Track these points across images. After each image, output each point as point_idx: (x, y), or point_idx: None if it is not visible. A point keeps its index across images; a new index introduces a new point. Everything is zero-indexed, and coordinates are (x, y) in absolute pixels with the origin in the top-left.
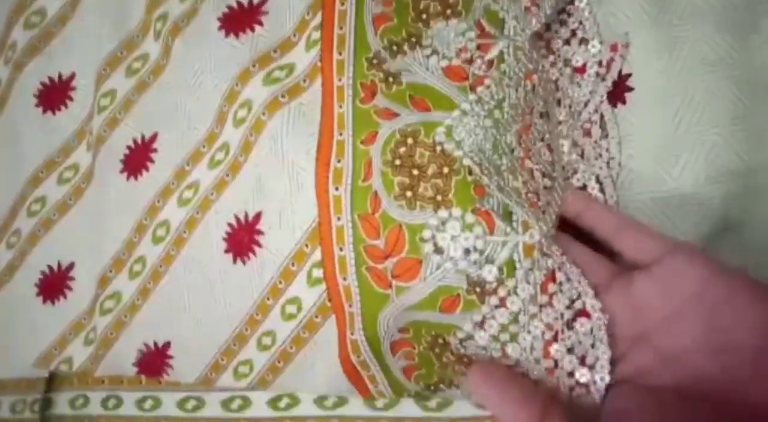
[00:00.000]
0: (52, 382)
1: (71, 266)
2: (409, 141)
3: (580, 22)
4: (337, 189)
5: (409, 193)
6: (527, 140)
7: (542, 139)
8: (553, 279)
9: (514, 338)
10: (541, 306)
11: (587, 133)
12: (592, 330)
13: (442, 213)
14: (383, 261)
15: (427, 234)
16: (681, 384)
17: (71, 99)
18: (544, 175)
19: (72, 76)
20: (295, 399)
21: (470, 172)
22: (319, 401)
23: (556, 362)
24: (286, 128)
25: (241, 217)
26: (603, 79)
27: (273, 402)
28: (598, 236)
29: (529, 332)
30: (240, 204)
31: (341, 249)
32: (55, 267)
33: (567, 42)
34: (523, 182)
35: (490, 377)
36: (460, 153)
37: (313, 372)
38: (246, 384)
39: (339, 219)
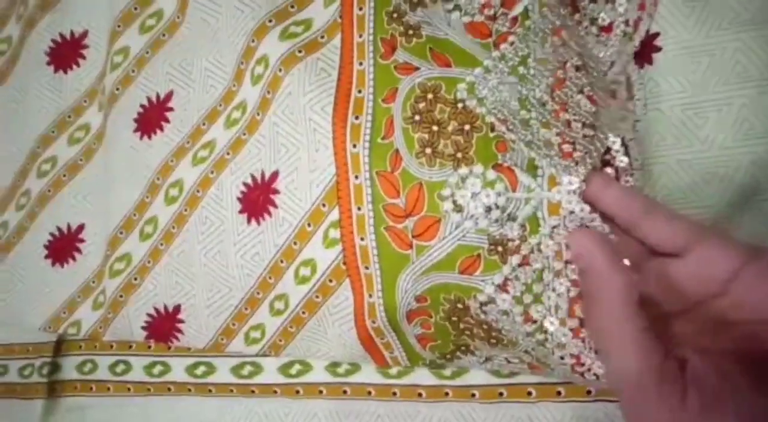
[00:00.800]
0: (60, 346)
1: (81, 228)
2: (429, 96)
3: None
4: (354, 146)
5: (428, 150)
6: (561, 94)
7: (581, 91)
8: None
9: (537, 298)
10: (566, 262)
11: (612, 95)
12: None
13: (463, 170)
14: (403, 220)
15: (446, 191)
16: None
17: (83, 57)
18: (584, 125)
19: (84, 34)
20: (307, 366)
21: (492, 129)
22: (332, 367)
23: (581, 321)
24: (303, 84)
25: (258, 176)
26: (630, 39)
27: (284, 369)
28: (620, 222)
29: (553, 290)
30: (256, 163)
31: (359, 209)
32: (65, 229)
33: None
34: (557, 133)
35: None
36: (482, 110)
37: (326, 338)
38: (257, 350)
39: (357, 177)
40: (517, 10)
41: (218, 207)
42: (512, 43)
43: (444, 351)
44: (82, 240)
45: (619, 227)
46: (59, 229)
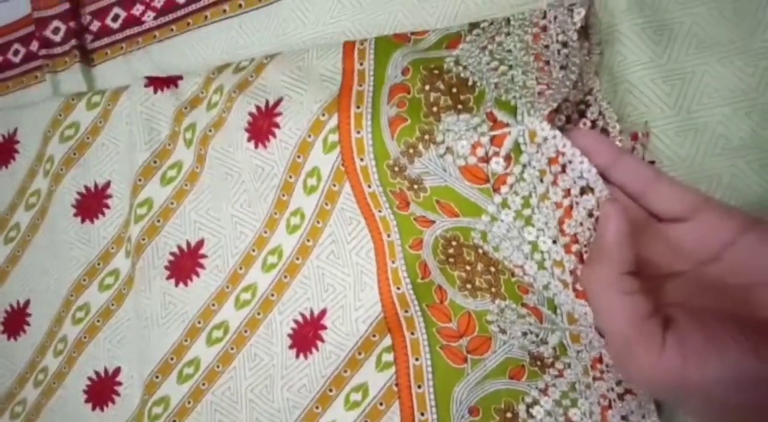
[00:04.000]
0: None
1: (117, 371)
2: (454, 243)
3: (600, 113)
4: (398, 288)
5: (469, 286)
6: (570, 222)
7: (590, 215)
8: (600, 361)
9: (574, 403)
10: (594, 378)
11: None
12: (641, 404)
13: (500, 302)
14: (458, 339)
15: (491, 317)
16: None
17: (108, 207)
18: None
19: (107, 184)
20: None
21: (513, 274)
22: None
23: None
24: (343, 233)
25: (307, 314)
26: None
27: None
28: (629, 190)
29: (586, 398)
30: (304, 302)
31: (412, 334)
32: (102, 373)
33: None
34: (570, 271)
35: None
36: (500, 256)
37: None
38: None
39: (407, 311)
40: (508, 145)
41: (268, 344)
42: (511, 186)
43: None
44: (119, 384)
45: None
46: (96, 373)
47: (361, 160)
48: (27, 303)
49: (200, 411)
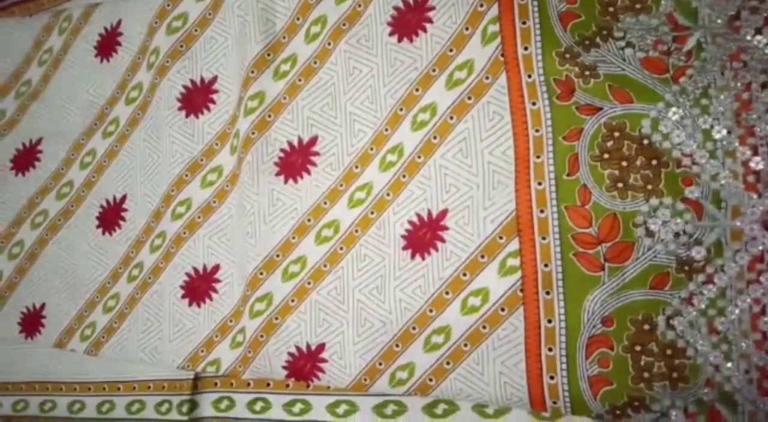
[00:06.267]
0: (196, 384)
1: (216, 268)
2: (616, 134)
3: None
4: (540, 184)
5: (620, 184)
6: (748, 117)
7: None
8: (761, 260)
9: (721, 312)
10: (748, 282)
11: None
12: None
13: (654, 201)
14: (595, 246)
15: (639, 219)
16: None
17: (213, 102)
18: None
19: (214, 79)
20: (453, 406)
21: (679, 164)
22: (479, 408)
23: (764, 334)
24: (478, 130)
25: (424, 215)
26: None
27: (429, 408)
28: None
29: (736, 305)
30: (421, 202)
31: (544, 239)
32: (201, 270)
33: (759, 31)
34: (742, 162)
35: None
36: (668, 145)
37: (482, 377)
38: (403, 391)
39: (542, 211)
40: (690, 43)
41: (380, 245)
42: (691, 76)
43: (616, 401)
44: (218, 281)
45: None
46: (195, 270)
47: (525, 48)
48: (123, 198)
49: (304, 310)
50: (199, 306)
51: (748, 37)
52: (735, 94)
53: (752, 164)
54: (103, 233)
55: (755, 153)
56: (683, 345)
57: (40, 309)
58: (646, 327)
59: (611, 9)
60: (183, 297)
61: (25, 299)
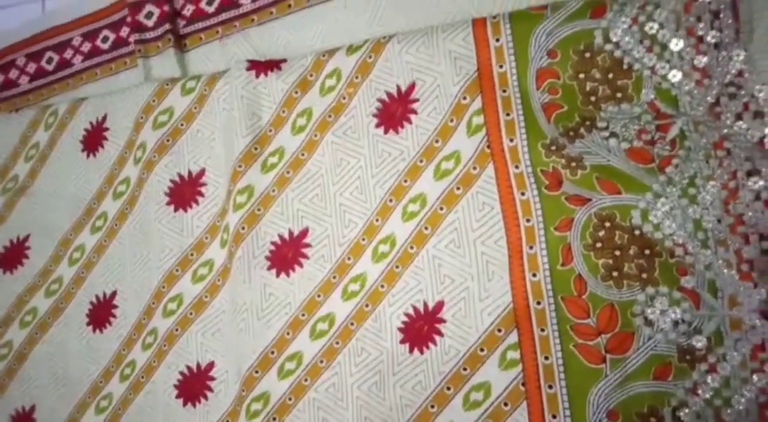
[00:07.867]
0: None
1: (211, 365)
2: (607, 224)
3: (752, 95)
4: (534, 275)
5: (615, 273)
6: (737, 205)
7: (757, 198)
8: (763, 348)
9: (727, 402)
10: (752, 371)
11: None
12: None
13: (650, 290)
14: (595, 337)
15: (637, 309)
16: None
17: (202, 195)
18: (762, 238)
19: (202, 172)
20: None
21: (672, 255)
22: None
23: None
24: (469, 220)
25: (420, 307)
26: None
27: None
28: None
29: (742, 396)
30: (416, 294)
31: (543, 331)
32: (194, 367)
33: (739, 116)
34: (734, 251)
35: None
36: (659, 235)
37: None
38: None
39: (539, 303)
40: (674, 132)
41: (377, 338)
42: (677, 166)
43: None
44: (212, 378)
45: None
46: (189, 368)
47: (511, 140)
48: (113, 294)
49: (302, 408)
50: (194, 406)
51: (728, 122)
52: (722, 183)
53: (743, 253)
54: (94, 330)
55: (746, 241)
56: None
57: (30, 412)
58: (653, 420)
59: (593, 99)
60: (177, 396)
61: (14, 401)
